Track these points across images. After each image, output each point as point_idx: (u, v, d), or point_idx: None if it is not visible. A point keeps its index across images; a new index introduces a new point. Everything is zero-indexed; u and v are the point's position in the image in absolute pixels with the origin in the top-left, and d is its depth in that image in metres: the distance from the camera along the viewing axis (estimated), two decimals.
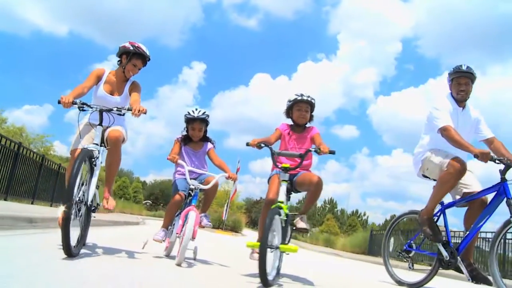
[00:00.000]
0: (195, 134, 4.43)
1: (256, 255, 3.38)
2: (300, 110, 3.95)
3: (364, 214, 57.91)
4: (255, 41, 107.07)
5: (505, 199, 3.67)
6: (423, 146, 4.33)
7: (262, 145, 3.56)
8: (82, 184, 3.10)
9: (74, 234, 2.93)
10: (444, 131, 3.95)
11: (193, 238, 3.84)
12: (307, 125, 4.09)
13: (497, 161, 3.76)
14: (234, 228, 28.37)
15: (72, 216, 2.81)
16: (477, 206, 3.94)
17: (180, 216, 4.06)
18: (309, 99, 3.94)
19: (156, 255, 4.11)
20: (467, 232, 3.93)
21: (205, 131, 4.55)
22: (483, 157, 3.65)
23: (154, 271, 3.11)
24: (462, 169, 3.81)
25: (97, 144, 3.32)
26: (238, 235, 24.98)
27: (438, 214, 4.21)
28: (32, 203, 11.05)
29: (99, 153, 3.29)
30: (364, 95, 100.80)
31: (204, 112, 4.43)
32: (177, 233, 4.01)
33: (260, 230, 3.66)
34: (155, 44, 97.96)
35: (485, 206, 3.85)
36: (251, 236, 27.86)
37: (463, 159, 3.89)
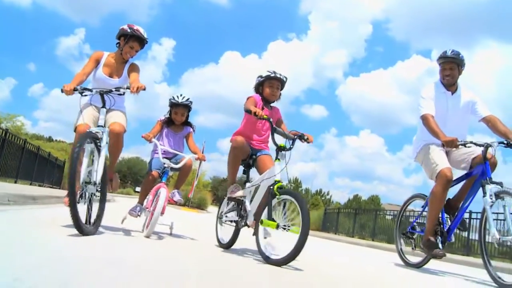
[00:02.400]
0: (177, 118, 4.65)
1: (240, 192, 3.68)
2: (272, 87, 3.86)
3: (328, 194, 59.92)
4: (226, 18, 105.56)
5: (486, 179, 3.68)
6: (418, 135, 4.36)
7: (270, 119, 3.48)
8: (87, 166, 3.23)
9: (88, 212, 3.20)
10: (423, 120, 4.00)
11: (162, 213, 4.00)
12: (273, 104, 4.04)
13: (467, 146, 3.78)
14: (200, 206, 29.11)
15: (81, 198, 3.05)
16: (473, 182, 3.96)
17: (151, 192, 4.27)
18: (281, 77, 3.87)
19: (134, 230, 4.36)
20: (456, 214, 4.05)
21: (187, 116, 4.75)
22: (449, 144, 3.69)
23: (132, 244, 3.31)
24: (449, 178, 3.82)
25: (102, 126, 3.42)
26: (203, 212, 25.57)
27: None
28: (15, 182, 12.08)
29: (103, 134, 3.35)
30: (333, 76, 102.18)
31: (188, 99, 4.63)
32: (146, 208, 4.19)
33: (232, 172, 3.81)
34: (123, 19, 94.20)
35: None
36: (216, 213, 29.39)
37: (450, 168, 3.87)
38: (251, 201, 3.66)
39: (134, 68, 3.96)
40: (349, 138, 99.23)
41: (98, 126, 3.42)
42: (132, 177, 61.18)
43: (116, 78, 3.90)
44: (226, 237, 3.96)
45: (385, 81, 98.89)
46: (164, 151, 4.41)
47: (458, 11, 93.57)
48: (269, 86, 3.86)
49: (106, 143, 3.39)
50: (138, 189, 52.84)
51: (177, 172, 4.57)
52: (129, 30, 3.85)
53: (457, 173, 4.14)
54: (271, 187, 3.31)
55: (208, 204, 30.99)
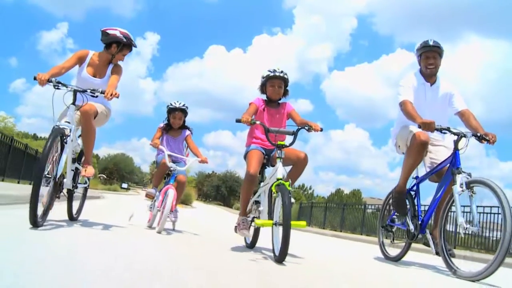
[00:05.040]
0: (175, 122, 4.92)
1: (246, 232, 3.61)
2: (273, 86, 3.82)
3: (310, 188, 60.42)
4: (211, 12, 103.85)
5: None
6: (396, 123, 4.23)
7: (257, 122, 3.50)
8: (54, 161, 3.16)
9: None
10: (401, 105, 3.86)
11: (171, 210, 4.35)
12: (281, 101, 3.96)
13: (443, 131, 3.61)
14: (184, 201, 29.14)
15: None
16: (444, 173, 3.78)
17: (161, 192, 4.57)
18: (282, 74, 3.79)
19: (140, 226, 4.64)
20: (429, 206, 3.84)
21: (184, 121, 5.02)
22: (426, 127, 3.52)
23: (143, 239, 3.52)
24: (424, 141, 3.65)
25: (68, 123, 3.31)
26: (188, 207, 26.30)
27: (414, 189, 4.08)
28: (18, 183, 13.33)
29: (70, 132, 3.27)
30: (318, 70, 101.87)
31: (184, 104, 4.92)
32: (157, 207, 4.49)
33: (243, 202, 3.70)
34: (107, 13, 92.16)
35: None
36: (201, 208, 28.52)
37: (426, 133, 3.70)
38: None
39: (116, 70, 3.92)
40: (334, 132, 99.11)
41: (66, 122, 3.34)
42: (118, 173, 61.28)
43: (99, 78, 3.86)
44: (249, 237, 3.92)
45: (370, 75, 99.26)
46: (169, 155, 4.70)
47: (441, 6, 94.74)
48: (270, 85, 3.85)
49: (72, 140, 3.35)
50: (124, 185, 53.75)
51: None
52: (124, 40, 3.85)
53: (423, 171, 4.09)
54: (271, 186, 3.31)
55: (192, 200, 31.64)
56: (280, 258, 2.90)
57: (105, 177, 56.41)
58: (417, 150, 3.73)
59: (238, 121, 3.45)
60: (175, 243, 3.69)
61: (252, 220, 3.71)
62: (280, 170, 3.28)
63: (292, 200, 3.46)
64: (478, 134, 3.64)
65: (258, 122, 3.51)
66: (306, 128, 3.54)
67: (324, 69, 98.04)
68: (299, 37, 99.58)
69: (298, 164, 3.61)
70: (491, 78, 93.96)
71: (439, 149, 3.94)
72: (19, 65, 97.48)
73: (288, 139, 3.62)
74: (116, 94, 3.41)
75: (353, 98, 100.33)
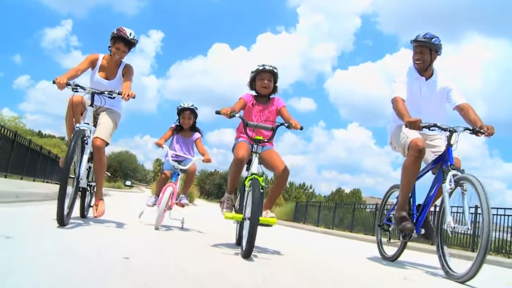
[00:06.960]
0: (185, 122, 4.97)
1: (224, 211, 3.45)
2: (262, 80, 3.72)
3: (311, 187, 61.22)
4: (215, 10, 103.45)
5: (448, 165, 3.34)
6: (392, 120, 4.10)
7: (236, 115, 3.37)
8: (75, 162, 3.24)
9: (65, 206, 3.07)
10: (393, 103, 3.75)
11: (170, 208, 4.44)
12: (271, 96, 3.84)
13: (431, 129, 3.49)
14: None
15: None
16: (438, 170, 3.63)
17: (162, 191, 4.59)
18: (271, 68, 3.71)
19: (150, 223, 4.66)
20: (423, 205, 3.73)
21: (194, 122, 5.07)
22: (412, 125, 3.41)
23: (147, 238, 3.57)
24: (421, 149, 3.49)
25: (88, 124, 3.40)
26: (190, 205, 28.07)
27: None
28: (33, 181, 14.51)
29: (90, 132, 3.38)
30: (322, 69, 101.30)
31: (193, 105, 4.99)
32: (157, 205, 4.55)
33: (230, 183, 3.61)
34: (111, 10, 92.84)
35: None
36: (203, 206, 29.32)
37: (422, 139, 3.57)
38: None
39: (127, 71, 3.96)
40: (337, 131, 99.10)
41: (85, 123, 3.43)
42: (122, 171, 61.99)
43: (111, 80, 3.92)
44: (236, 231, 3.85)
45: (374, 74, 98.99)
46: (174, 155, 4.82)
47: (445, 5, 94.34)
48: (259, 79, 3.74)
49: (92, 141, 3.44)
50: (128, 183, 54.84)
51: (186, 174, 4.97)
52: (115, 32, 3.85)
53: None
54: (244, 180, 3.21)
55: (194, 198, 31.82)
56: (245, 254, 2.82)
57: (109, 174, 57.18)
58: (414, 157, 3.56)
59: (217, 112, 3.36)
60: (178, 242, 3.78)
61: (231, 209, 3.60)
62: (255, 165, 3.24)
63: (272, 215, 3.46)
64: (471, 127, 3.47)
65: (237, 115, 3.41)
66: (286, 125, 3.45)
67: (328, 68, 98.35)
68: (303, 36, 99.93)
69: (278, 177, 3.50)
70: (494, 78, 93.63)
71: (438, 142, 3.82)
72: (23, 62, 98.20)
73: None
74: (132, 94, 3.53)
75: (356, 98, 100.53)
